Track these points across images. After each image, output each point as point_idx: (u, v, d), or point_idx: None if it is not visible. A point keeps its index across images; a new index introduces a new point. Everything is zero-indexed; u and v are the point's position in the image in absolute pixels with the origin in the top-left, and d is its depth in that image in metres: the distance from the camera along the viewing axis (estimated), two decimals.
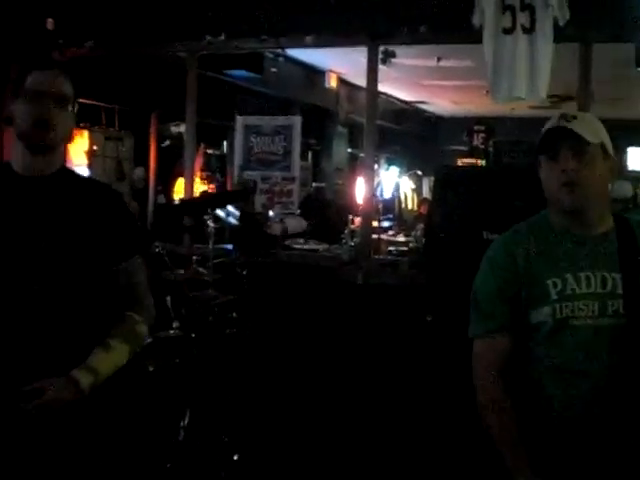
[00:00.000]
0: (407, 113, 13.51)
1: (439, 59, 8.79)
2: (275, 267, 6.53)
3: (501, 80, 5.96)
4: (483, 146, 12.56)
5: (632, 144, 14.77)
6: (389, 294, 6.05)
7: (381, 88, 10.69)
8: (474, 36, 6.14)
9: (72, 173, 2.61)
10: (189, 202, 5.79)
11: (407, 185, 11.69)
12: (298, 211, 6.99)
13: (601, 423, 2.30)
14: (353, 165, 11.21)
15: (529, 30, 5.97)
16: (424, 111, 14.28)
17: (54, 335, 2.36)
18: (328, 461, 4.97)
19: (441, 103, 13.25)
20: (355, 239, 6.69)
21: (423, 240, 5.98)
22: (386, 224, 10.40)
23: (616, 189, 8.69)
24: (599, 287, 2.33)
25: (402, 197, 11.36)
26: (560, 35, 6.01)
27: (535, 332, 2.35)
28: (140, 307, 2.58)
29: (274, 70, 8.74)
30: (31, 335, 2.33)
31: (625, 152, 14.83)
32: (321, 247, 7.11)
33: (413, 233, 7.26)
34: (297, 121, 7.02)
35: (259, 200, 6.93)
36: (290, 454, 5.03)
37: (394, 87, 11.24)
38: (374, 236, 8.01)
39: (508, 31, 5.98)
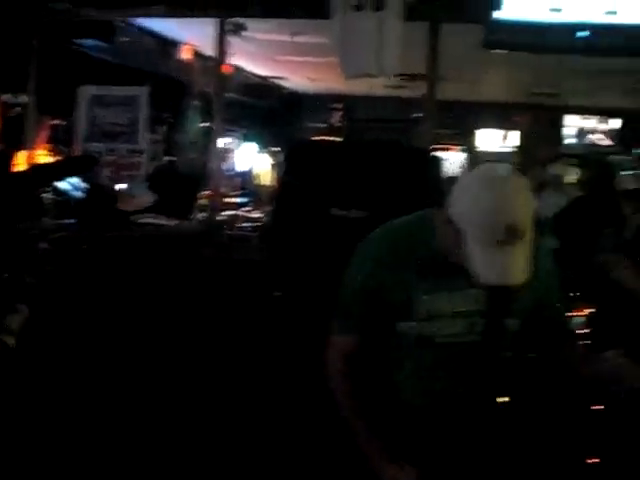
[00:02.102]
0: (266, 89, 13.43)
1: (294, 35, 8.73)
2: (123, 242, 6.38)
3: (350, 56, 5.99)
4: (340, 124, 12.66)
5: (482, 125, 15.15)
6: (238, 269, 6.00)
7: (238, 62, 10.62)
8: (326, 12, 6.15)
9: None
10: (17, 175, 5.53)
11: (266, 161, 11.64)
12: (146, 184, 6.84)
13: (453, 420, 2.36)
14: (208, 139, 11.05)
15: (379, 7, 6.02)
16: (284, 87, 14.23)
17: None
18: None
19: (298, 79, 13.21)
20: (205, 214, 6.61)
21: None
22: (243, 200, 10.35)
23: None
24: (469, 305, 2.29)
25: (260, 173, 11.31)
26: (410, 13, 6.09)
27: (399, 342, 2.31)
28: None
29: (126, 40, 8.50)
30: None
31: (477, 133, 15.21)
32: (171, 222, 6.98)
33: (268, 209, 7.23)
34: (144, 92, 6.86)
35: (103, 173, 6.75)
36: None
37: (251, 62, 11.13)
38: (230, 212, 7.94)
39: (358, 7, 6.01)
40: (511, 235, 2.03)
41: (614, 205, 6.57)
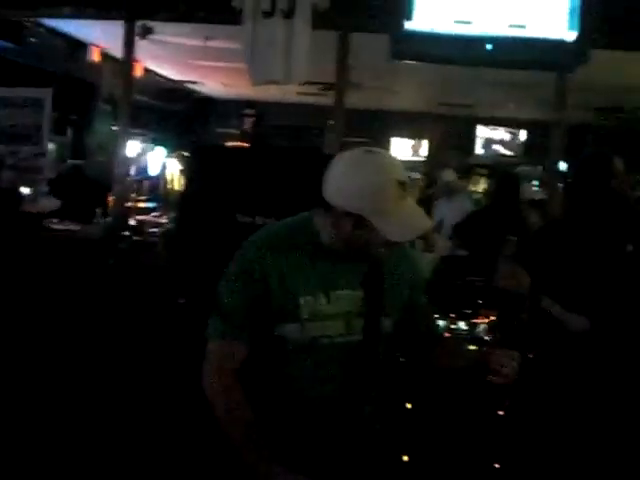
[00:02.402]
0: (177, 93, 13.35)
1: (207, 39, 8.69)
2: (27, 247, 6.23)
3: (258, 63, 5.99)
4: (253, 130, 12.63)
5: (395, 134, 15.33)
6: (142, 275, 5.91)
7: (149, 66, 10.52)
8: (237, 18, 6.14)
9: None
10: None
11: (175, 166, 11.51)
12: (47, 188, 6.69)
13: (340, 419, 2.37)
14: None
15: (288, 15, 6.03)
16: (195, 91, 14.16)
17: None
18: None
19: (211, 84, 13.16)
20: (111, 218, 6.51)
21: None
22: (152, 205, 10.23)
23: None
24: (348, 305, 2.33)
25: (169, 178, 11.17)
26: (319, 22, 6.12)
27: (282, 344, 2.31)
28: None
29: (34, 41, 8.33)
30: None
31: (388, 142, 15.37)
32: (76, 227, 6.84)
33: (173, 214, 7.14)
34: (47, 94, 6.68)
35: (6, 176, 6.56)
36: None
37: (163, 65, 11.06)
38: (139, 217, 7.85)
39: (268, 14, 6.01)
40: (403, 189, 2.18)
41: (518, 215, 6.71)
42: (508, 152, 15.21)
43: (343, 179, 2.21)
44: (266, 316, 2.29)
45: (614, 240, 3.67)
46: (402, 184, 2.18)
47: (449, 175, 8.61)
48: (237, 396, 2.29)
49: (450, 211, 7.78)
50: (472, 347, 4.75)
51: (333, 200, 2.22)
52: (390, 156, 2.29)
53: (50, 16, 7.23)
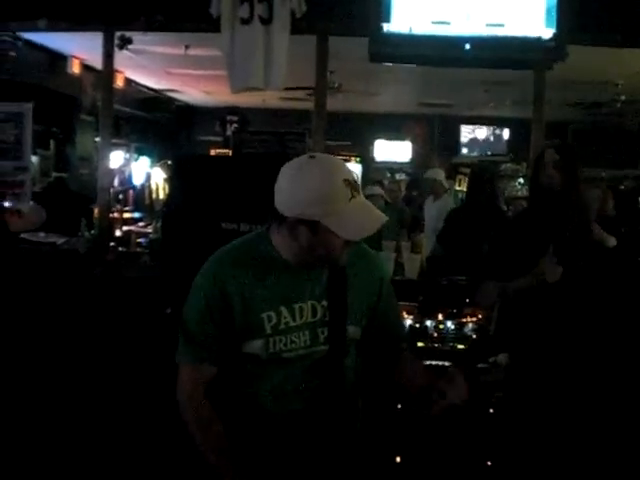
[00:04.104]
0: (158, 102, 13.34)
1: (187, 47, 8.69)
2: (11, 261, 6.20)
3: (237, 70, 6.01)
4: (236, 136, 12.61)
5: (379, 136, 15.35)
6: (129, 286, 5.90)
7: (130, 76, 10.51)
8: (215, 25, 6.15)
9: None
10: None
11: (159, 175, 11.49)
12: (31, 202, 6.67)
13: (313, 433, 2.38)
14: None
15: (266, 21, 6.06)
16: (176, 100, 14.17)
17: None
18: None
19: (193, 92, 13.18)
20: (94, 231, 6.50)
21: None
22: (137, 215, 10.22)
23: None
24: (310, 316, 2.35)
25: (154, 187, 11.15)
26: (297, 27, 6.14)
27: (249, 360, 2.34)
28: None
29: (12, 54, 8.30)
30: None
31: (372, 144, 15.40)
32: (60, 240, 6.83)
33: (157, 224, 7.13)
34: (28, 108, 6.67)
35: None
36: None
37: (143, 75, 11.05)
38: (125, 228, 7.82)
39: (246, 21, 6.03)
40: (352, 188, 2.19)
41: (496, 209, 6.71)
42: (493, 151, 15.23)
43: (292, 187, 2.20)
44: (232, 336, 2.31)
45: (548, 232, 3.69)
46: (350, 183, 2.19)
47: (436, 174, 8.55)
48: (207, 415, 2.32)
49: (434, 211, 7.80)
50: (460, 346, 4.82)
51: (285, 210, 2.22)
52: (333, 158, 2.29)
53: (24, 30, 7.22)
